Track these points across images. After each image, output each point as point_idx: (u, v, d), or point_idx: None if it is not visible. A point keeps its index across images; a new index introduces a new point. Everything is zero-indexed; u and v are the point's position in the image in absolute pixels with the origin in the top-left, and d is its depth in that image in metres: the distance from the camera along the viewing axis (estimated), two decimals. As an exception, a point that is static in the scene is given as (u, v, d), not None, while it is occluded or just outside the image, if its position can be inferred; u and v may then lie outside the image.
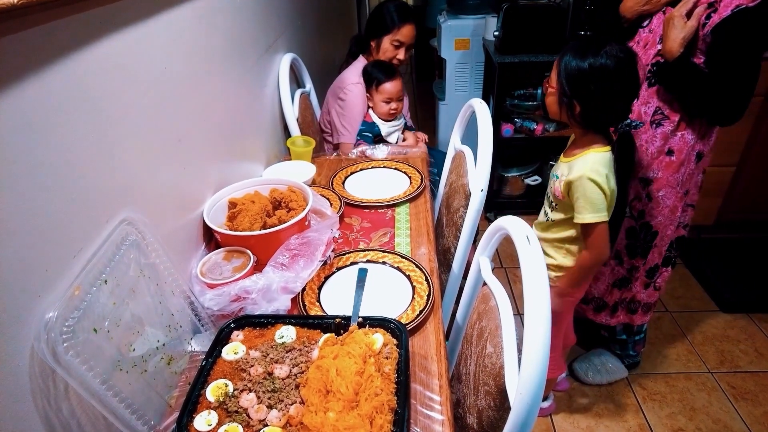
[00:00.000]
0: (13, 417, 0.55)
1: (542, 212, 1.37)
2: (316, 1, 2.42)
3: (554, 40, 2.22)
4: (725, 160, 2.20)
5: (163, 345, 0.80)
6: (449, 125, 1.91)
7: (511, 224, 0.76)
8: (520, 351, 0.64)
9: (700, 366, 1.85)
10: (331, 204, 1.28)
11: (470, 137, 1.26)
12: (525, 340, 0.62)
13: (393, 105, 1.81)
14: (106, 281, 0.68)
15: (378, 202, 1.35)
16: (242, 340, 0.85)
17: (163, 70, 0.89)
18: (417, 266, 1.08)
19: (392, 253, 1.13)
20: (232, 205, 1.09)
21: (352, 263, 1.10)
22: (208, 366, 0.80)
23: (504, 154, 2.69)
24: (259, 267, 0.97)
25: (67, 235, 0.64)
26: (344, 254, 1.12)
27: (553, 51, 1.20)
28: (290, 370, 0.78)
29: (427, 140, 2.01)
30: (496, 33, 2.34)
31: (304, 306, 0.98)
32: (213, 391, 0.75)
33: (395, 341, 0.82)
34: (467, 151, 1.33)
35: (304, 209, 1.06)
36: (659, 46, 1.32)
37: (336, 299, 1.01)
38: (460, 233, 1.20)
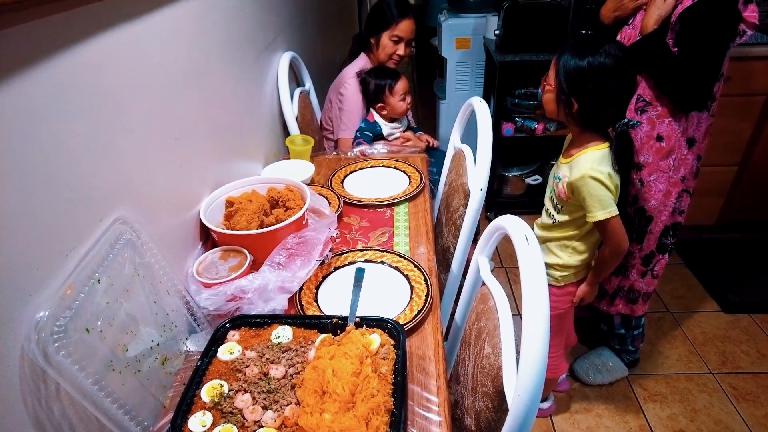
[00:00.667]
0: (3, 419, 0.54)
1: (544, 213, 1.36)
2: (316, 1, 2.41)
3: (555, 38, 2.21)
4: (727, 159, 2.19)
5: (158, 345, 0.79)
6: (450, 124, 1.90)
7: (510, 224, 0.76)
8: (518, 352, 0.64)
9: (701, 367, 1.84)
10: (330, 203, 1.27)
11: (471, 136, 1.25)
12: (523, 341, 0.62)
13: (408, 99, 1.86)
14: (99, 280, 0.67)
15: (377, 202, 1.34)
16: (238, 340, 0.84)
17: (159, 68, 0.88)
18: (415, 266, 1.07)
19: (391, 252, 1.12)
20: (229, 204, 1.08)
21: (350, 263, 1.09)
22: (204, 366, 0.79)
23: (505, 154, 2.68)
24: (256, 266, 0.97)
25: (60, 233, 0.63)
26: (342, 254, 1.12)
27: (554, 50, 1.20)
28: (286, 371, 0.78)
29: (431, 143, 1.99)
30: (497, 32, 2.33)
31: (302, 306, 0.97)
32: (208, 391, 0.74)
33: (392, 342, 0.81)
34: (467, 150, 1.32)
35: (301, 208, 1.05)
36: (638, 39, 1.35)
37: (334, 299, 1.00)
38: (459, 233, 1.19)
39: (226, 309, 0.89)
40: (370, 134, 1.83)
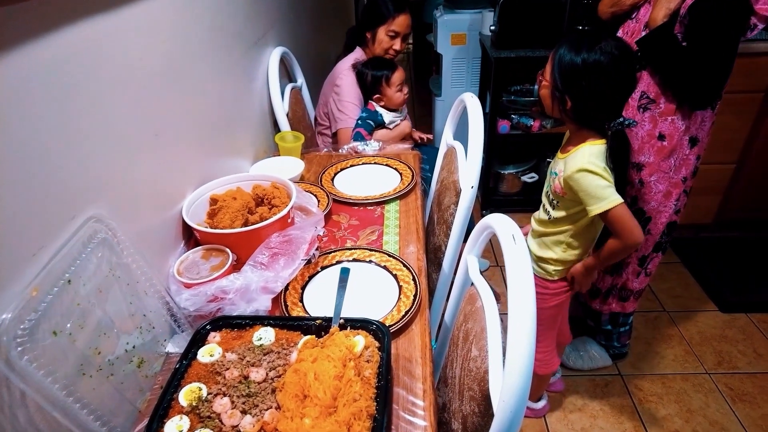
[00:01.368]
0: (-38, 426, 0.52)
1: (541, 209, 1.33)
2: (310, -5, 2.38)
3: (552, 34, 2.17)
4: (725, 157, 2.16)
5: (133, 347, 0.77)
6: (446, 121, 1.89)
7: (498, 222, 0.73)
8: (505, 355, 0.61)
9: (697, 367, 1.82)
10: (319, 201, 1.24)
11: (465, 133, 1.22)
12: (509, 344, 0.59)
13: (405, 89, 1.84)
14: (69, 281, 0.65)
15: (367, 199, 1.31)
16: (219, 342, 0.81)
17: (138, 61, 0.86)
18: (404, 265, 1.04)
19: (379, 251, 1.09)
20: (213, 201, 1.05)
21: (338, 262, 1.07)
22: (182, 369, 0.77)
23: (500, 151, 2.65)
24: (240, 266, 0.94)
25: (25, 232, 0.60)
26: (329, 252, 1.09)
27: (551, 46, 1.17)
28: (267, 374, 0.75)
29: (425, 139, 1.98)
30: (493, 28, 2.30)
31: (287, 306, 0.95)
32: (186, 395, 0.72)
33: (377, 344, 0.79)
34: (459, 146, 1.29)
35: (287, 206, 1.02)
36: (644, 33, 1.31)
37: (320, 299, 0.98)
38: (450, 231, 1.16)
39: (207, 310, 0.87)
40: (372, 123, 1.81)
